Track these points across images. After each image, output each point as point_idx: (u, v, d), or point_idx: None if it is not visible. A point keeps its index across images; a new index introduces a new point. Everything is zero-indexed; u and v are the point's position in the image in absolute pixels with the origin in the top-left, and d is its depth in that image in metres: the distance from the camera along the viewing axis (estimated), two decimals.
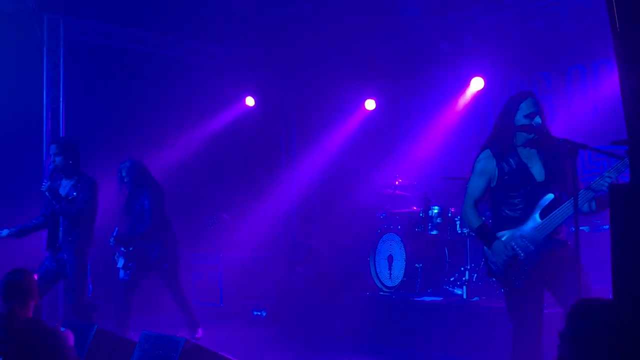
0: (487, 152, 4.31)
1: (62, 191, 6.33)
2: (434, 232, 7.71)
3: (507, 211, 4.23)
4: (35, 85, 8.52)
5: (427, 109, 9.58)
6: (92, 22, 9.02)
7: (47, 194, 6.27)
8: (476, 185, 4.34)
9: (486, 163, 4.29)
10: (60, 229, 6.35)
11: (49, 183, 6.33)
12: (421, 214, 7.85)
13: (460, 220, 7.53)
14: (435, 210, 7.75)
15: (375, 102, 10.02)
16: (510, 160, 4.24)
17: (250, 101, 10.69)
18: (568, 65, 8.25)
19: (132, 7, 8.82)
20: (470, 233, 7.30)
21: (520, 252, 4.10)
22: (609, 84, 7.71)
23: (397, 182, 8.37)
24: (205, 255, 9.76)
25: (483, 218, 4.41)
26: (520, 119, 4.26)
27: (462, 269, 7.32)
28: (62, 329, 4.21)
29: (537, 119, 4.23)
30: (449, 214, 7.65)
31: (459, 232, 7.51)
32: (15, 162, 8.27)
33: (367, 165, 9.54)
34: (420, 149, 9.34)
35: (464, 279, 7.20)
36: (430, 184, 8.35)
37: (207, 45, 10.07)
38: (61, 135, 8.61)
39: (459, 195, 7.43)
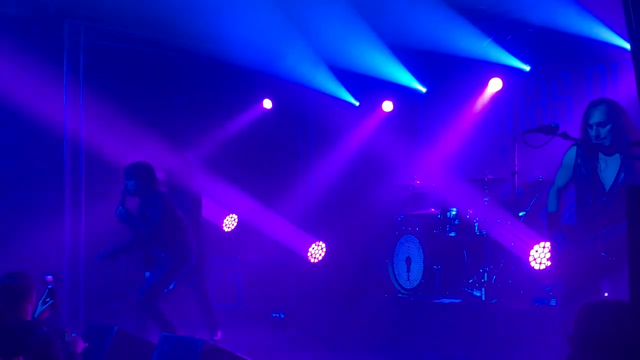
0: (574, 148, 4.64)
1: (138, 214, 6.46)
2: (452, 234, 7.71)
3: (578, 207, 4.60)
4: (55, 90, 8.57)
5: (445, 110, 9.56)
6: (111, 26, 9.08)
7: (119, 219, 6.41)
8: (559, 175, 4.83)
9: (568, 158, 4.71)
10: (149, 245, 6.49)
11: (120, 208, 6.42)
12: (439, 216, 7.84)
13: (478, 222, 7.51)
14: (454, 212, 7.75)
15: (393, 104, 10.02)
16: (587, 162, 4.49)
17: (267, 104, 10.73)
18: (587, 65, 8.20)
19: (150, 12, 8.88)
20: (489, 235, 7.30)
21: None
22: (628, 85, 7.65)
23: (415, 184, 8.35)
24: (224, 257, 9.76)
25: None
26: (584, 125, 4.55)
27: (481, 270, 7.32)
28: (72, 334, 4.22)
29: (593, 131, 4.47)
30: (467, 216, 7.64)
31: (478, 233, 7.50)
32: (35, 167, 8.34)
33: (385, 166, 9.54)
34: (439, 150, 9.33)
35: (482, 280, 7.19)
36: (449, 185, 8.33)
37: (225, 49, 10.09)
38: (81, 138, 8.67)
39: (478, 197, 7.52)
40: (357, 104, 10.38)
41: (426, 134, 9.92)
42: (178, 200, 6.89)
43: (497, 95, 8.92)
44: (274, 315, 8.61)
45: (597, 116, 4.52)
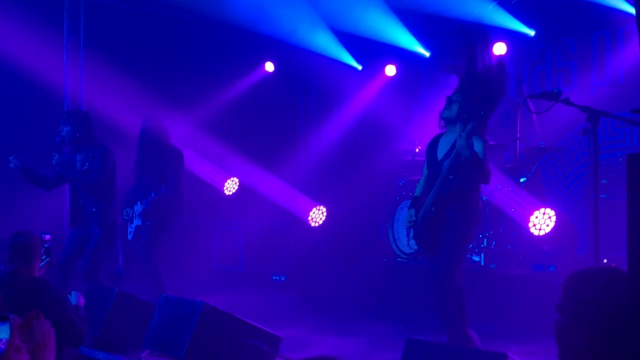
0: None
1: (78, 166, 6.28)
2: None
3: None
4: (55, 50, 8.49)
5: (448, 75, 9.47)
6: None
7: (57, 168, 6.25)
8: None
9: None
10: (80, 202, 6.33)
11: (57, 156, 6.24)
12: None
13: None
14: None
15: (396, 68, 9.95)
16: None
17: (269, 67, 10.66)
18: (593, 31, 8.12)
19: None
20: (489, 200, 7.30)
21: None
22: (634, 51, 7.59)
23: (416, 149, 8.33)
24: (226, 220, 9.82)
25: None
26: None
27: (480, 236, 7.27)
28: (73, 292, 4.43)
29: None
30: None
31: None
32: (35, 128, 8.29)
33: (387, 131, 9.50)
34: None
35: (482, 246, 7.19)
36: None
37: (227, 9, 9.99)
38: (81, 99, 8.63)
39: None
40: (360, 67, 10.31)
41: (429, 99, 9.83)
42: (159, 155, 6.64)
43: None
44: (274, 278, 8.71)
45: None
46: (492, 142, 7.38)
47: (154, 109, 7.86)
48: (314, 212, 9.51)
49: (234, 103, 10.35)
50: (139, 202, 6.60)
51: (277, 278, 8.67)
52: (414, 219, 4.91)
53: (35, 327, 1.99)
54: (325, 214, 9.42)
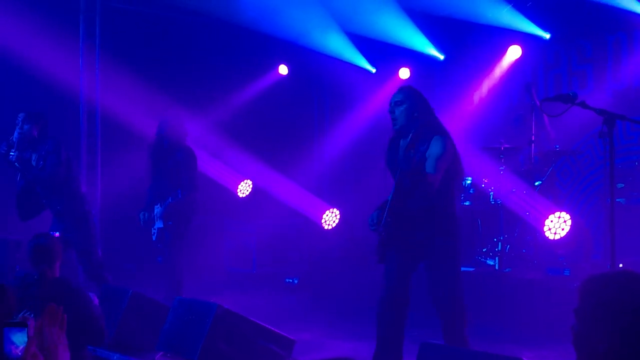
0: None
1: (34, 165, 6.16)
2: (467, 203, 7.65)
3: None
4: (71, 53, 8.51)
5: (463, 78, 9.45)
6: None
7: (17, 164, 6.12)
8: None
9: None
10: (44, 202, 6.23)
11: (17, 153, 6.08)
12: None
13: (493, 191, 7.45)
14: (468, 180, 7.67)
15: (410, 71, 9.93)
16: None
17: (283, 69, 10.66)
18: (608, 33, 8.07)
19: None
20: (504, 204, 7.26)
21: None
22: None
23: None
24: (239, 222, 9.82)
25: None
26: None
27: (495, 239, 7.30)
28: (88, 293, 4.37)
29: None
30: (482, 185, 7.56)
31: (492, 202, 7.44)
32: (51, 131, 8.32)
33: None
34: (455, 117, 9.21)
35: (496, 249, 7.18)
36: (464, 153, 8.18)
37: (242, 13, 10.03)
38: (97, 102, 8.65)
39: (493, 166, 7.46)
40: (374, 71, 10.30)
41: (443, 102, 9.77)
42: (173, 156, 6.60)
43: (516, 63, 8.80)
44: (287, 280, 8.68)
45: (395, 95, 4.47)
46: (506, 145, 7.43)
47: (170, 111, 7.89)
48: (327, 215, 9.53)
49: (248, 106, 10.37)
50: (158, 205, 6.59)
51: (290, 280, 8.65)
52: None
53: (45, 333, 1.99)
54: (338, 216, 9.42)
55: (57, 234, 4.67)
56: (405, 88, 4.52)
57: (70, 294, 4.06)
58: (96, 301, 4.54)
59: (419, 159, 4.27)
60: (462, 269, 7.04)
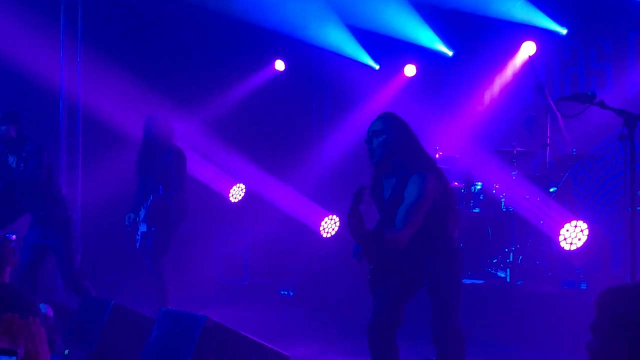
0: None
1: (13, 167, 6.15)
2: (477, 210, 7.68)
3: None
4: (51, 45, 8.49)
5: (473, 76, 9.47)
6: None
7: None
8: None
9: None
10: (24, 207, 6.24)
11: None
12: (463, 190, 7.79)
13: (505, 197, 7.47)
14: (479, 186, 7.71)
15: (416, 68, 9.94)
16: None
17: (280, 65, 10.67)
18: (629, 31, 8.09)
19: None
20: (516, 211, 7.26)
21: None
22: None
23: (437, 155, 8.29)
24: (231, 229, 9.79)
25: None
26: None
27: (507, 250, 7.31)
28: (41, 305, 4.37)
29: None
30: (493, 191, 7.60)
31: (504, 210, 7.47)
32: (29, 129, 8.32)
33: None
34: (464, 118, 9.26)
35: (508, 260, 7.19)
36: (474, 157, 8.26)
37: (234, 3, 10.03)
38: (78, 98, 8.64)
39: (505, 171, 7.46)
40: (377, 67, 10.30)
41: (451, 101, 9.83)
42: (160, 156, 6.63)
43: (530, 61, 8.81)
44: (282, 292, 8.68)
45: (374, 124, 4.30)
46: (519, 149, 7.43)
47: (156, 109, 7.89)
48: (326, 222, 9.51)
49: (241, 103, 10.36)
50: (142, 207, 6.63)
51: (286, 292, 8.63)
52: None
53: (23, 332, 1.99)
54: (338, 224, 9.40)
55: (14, 236, 4.64)
56: (386, 116, 4.34)
57: (18, 302, 4.02)
58: (50, 313, 4.49)
59: (396, 200, 4.12)
60: (471, 281, 7.18)
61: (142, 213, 6.64)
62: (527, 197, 7.24)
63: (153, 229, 6.55)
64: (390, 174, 4.22)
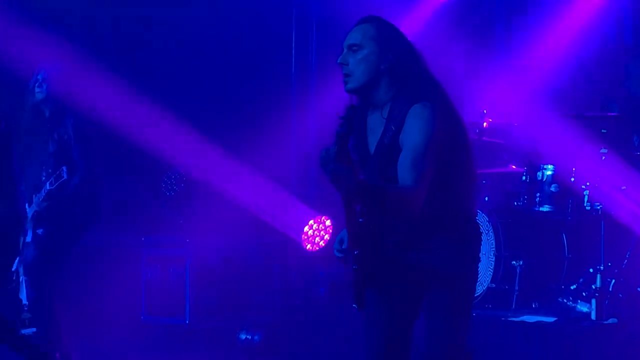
0: None
1: None
2: (546, 209, 7.89)
3: None
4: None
5: (535, 10, 9.69)
6: None
7: None
8: None
9: None
10: None
11: None
12: (524, 177, 7.96)
13: (589, 189, 7.59)
14: (549, 171, 7.87)
15: None
16: None
17: None
18: None
19: None
20: (606, 211, 7.40)
21: None
22: None
23: (484, 124, 8.30)
24: (165, 240, 9.85)
25: None
26: None
27: (592, 270, 7.44)
28: None
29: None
30: (572, 179, 7.69)
31: (588, 209, 7.67)
32: None
33: None
34: (524, 69, 9.39)
35: (593, 286, 7.27)
36: (540, 126, 8.32)
37: None
38: None
39: (588, 147, 7.37)
40: None
41: (506, 44, 10.00)
42: (56, 125, 6.90)
43: None
44: (242, 337, 8.59)
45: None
46: (611, 114, 7.35)
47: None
48: (311, 227, 9.51)
49: (185, 45, 10.44)
50: (28, 203, 6.83)
51: (248, 337, 8.54)
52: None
53: None
54: (330, 230, 9.44)
55: None
56: (369, 22, 4.24)
57: None
58: None
59: (389, 147, 4.09)
60: (536, 318, 7.21)
61: (29, 211, 6.77)
62: (624, 188, 7.36)
63: (40, 231, 6.72)
64: (376, 110, 4.19)
